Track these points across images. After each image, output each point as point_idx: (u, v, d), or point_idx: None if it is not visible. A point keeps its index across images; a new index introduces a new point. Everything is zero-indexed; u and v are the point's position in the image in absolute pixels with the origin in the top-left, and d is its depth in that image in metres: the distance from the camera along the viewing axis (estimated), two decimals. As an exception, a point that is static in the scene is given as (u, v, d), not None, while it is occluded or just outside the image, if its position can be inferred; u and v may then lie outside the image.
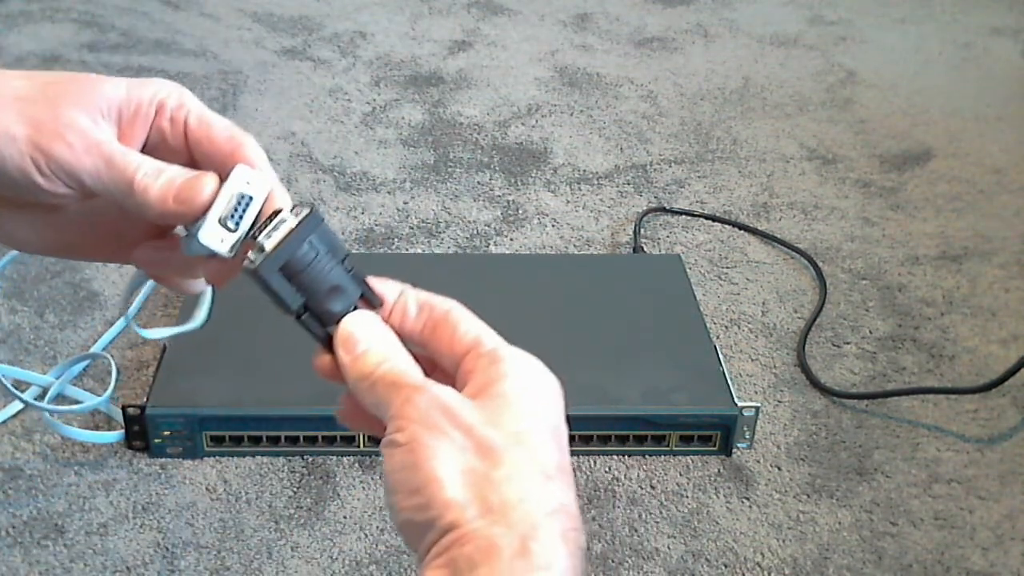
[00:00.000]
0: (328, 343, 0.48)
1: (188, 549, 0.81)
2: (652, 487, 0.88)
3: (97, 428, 0.90)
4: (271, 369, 0.89)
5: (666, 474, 0.89)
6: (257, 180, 0.46)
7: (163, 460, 0.88)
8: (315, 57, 1.62)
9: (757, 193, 1.30)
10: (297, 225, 0.45)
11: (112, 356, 0.95)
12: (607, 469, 0.89)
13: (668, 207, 1.25)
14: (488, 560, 0.39)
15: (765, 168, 1.35)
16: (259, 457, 0.89)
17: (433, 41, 1.70)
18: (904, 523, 0.85)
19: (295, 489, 0.86)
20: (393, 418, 0.43)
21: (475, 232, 1.20)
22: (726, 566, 0.81)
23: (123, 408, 0.86)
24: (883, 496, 0.88)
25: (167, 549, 0.81)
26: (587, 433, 0.89)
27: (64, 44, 1.62)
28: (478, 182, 1.30)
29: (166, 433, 0.87)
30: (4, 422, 0.91)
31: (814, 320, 1.06)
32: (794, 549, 0.83)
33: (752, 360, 1.02)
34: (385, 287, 0.49)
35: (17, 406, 0.92)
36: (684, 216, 1.24)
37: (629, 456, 0.90)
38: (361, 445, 0.89)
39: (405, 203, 1.25)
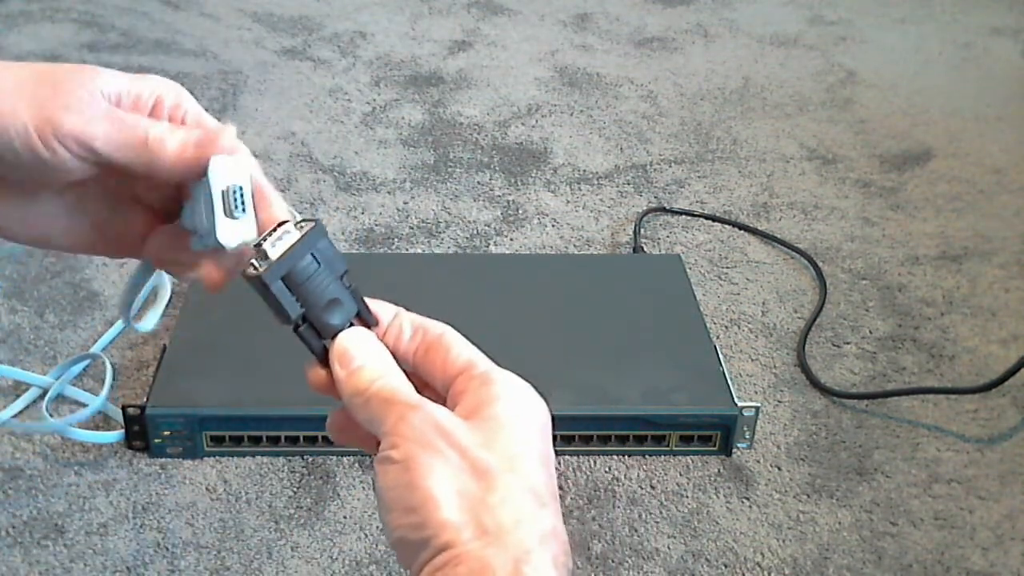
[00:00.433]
0: (323, 356, 0.48)
1: (188, 549, 0.81)
2: (652, 487, 0.88)
3: (97, 428, 0.90)
4: (271, 369, 0.89)
5: (666, 474, 0.89)
6: (235, 166, 0.47)
7: (163, 460, 0.88)
8: (315, 57, 1.62)
9: (757, 193, 1.30)
10: (302, 236, 0.46)
11: (110, 356, 0.95)
12: (607, 469, 0.89)
13: (668, 207, 1.25)
14: None
15: (765, 168, 1.35)
16: (259, 457, 0.89)
17: (433, 41, 1.70)
18: (904, 523, 0.85)
19: (295, 489, 0.86)
20: (387, 434, 0.43)
21: (475, 232, 1.20)
22: (726, 566, 0.81)
23: (123, 408, 0.86)
24: (883, 496, 0.88)
25: (167, 549, 0.81)
26: (587, 433, 0.89)
27: (64, 44, 1.62)
28: (478, 182, 1.30)
29: (166, 433, 0.87)
30: (4, 422, 0.91)
31: (814, 320, 1.06)
32: (794, 549, 0.83)
33: (752, 360, 1.02)
34: (381, 308, 0.49)
35: (17, 406, 0.92)
36: (684, 216, 1.24)
37: (629, 456, 0.90)
38: (361, 445, 0.89)
39: (405, 203, 1.25)
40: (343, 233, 1.19)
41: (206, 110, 0.49)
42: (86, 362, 0.97)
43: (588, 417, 0.89)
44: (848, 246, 1.20)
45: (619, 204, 1.26)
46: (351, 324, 0.48)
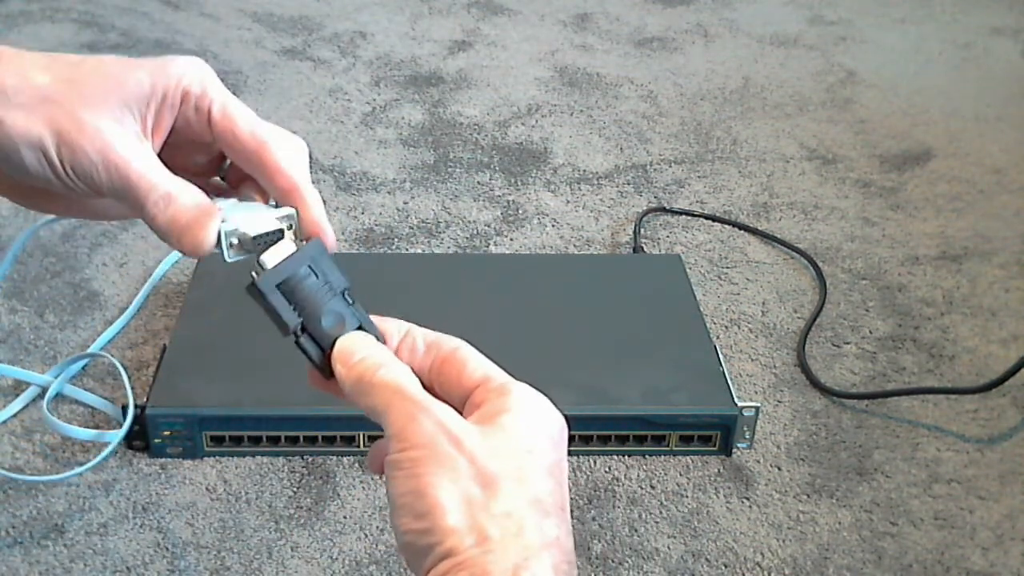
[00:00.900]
0: (323, 365, 0.48)
1: (188, 549, 0.81)
2: (652, 487, 0.88)
3: (97, 428, 0.90)
4: (271, 369, 0.89)
5: (666, 474, 0.89)
6: (254, 218, 0.47)
7: (163, 460, 0.88)
8: (315, 57, 1.62)
9: (757, 193, 1.30)
10: (299, 248, 0.46)
11: (110, 356, 0.95)
12: (607, 469, 0.89)
13: (668, 207, 1.25)
14: None
15: (765, 168, 1.35)
16: (259, 457, 0.89)
17: (433, 41, 1.70)
18: (904, 523, 0.85)
19: (295, 489, 0.86)
20: (397, 437, 0.43)
21: (475, 232, 1.20)
22: (726, 566, 0.81)
23: (123, 408, 0.86)
24: (883, 496, 0.88)
25: (167, 549, 0.81)
26: (587, 433, 0.89)
27: (64, 44, 1.62)
28: (478, 182, 1.30)
29: (166, 433, 0.87)
30: (4, 422, 0.91)
31: (814, 320, 1.06)
32: (794, 549, 0.83)
33: (752, 360, 1.02)
34: (390, 324, 0.49)
35: (17, 406, 0.92)
36: (684, 216, 1.24)
37: (629, 456, 0.90)
38: (361, 445, 0.89)
39: (405, 203, 1.25)
40: (343, 233, 1.19)
41: None
42: (86, 361, 0.97)
43: (588, 417, 0.89)
44: (848, 246, 1.20)
45: (619, 204, 1.26)
46: None
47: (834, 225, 1.24)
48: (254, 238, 0.46)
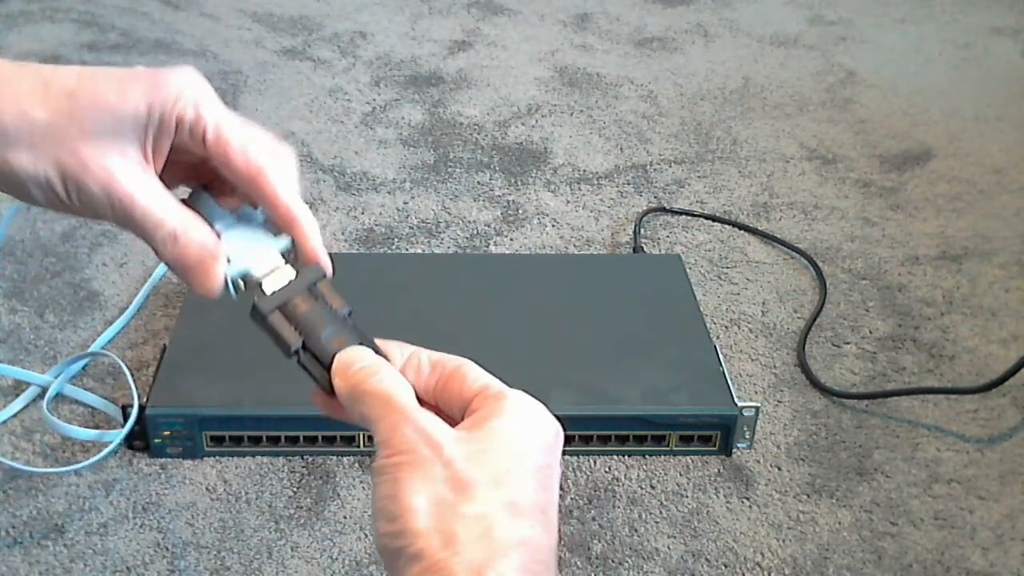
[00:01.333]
0: (325, 384, 0.49)
1: (188, 549, 0.81)
2: (652, 487, 0.88)
3: (97, 428, 0.90)
4: (271, 369, 0.88)
5: (666, 474, 0.89)
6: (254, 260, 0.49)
7: (163, 460, 0.88)
8: (315, 57, 1.62)
9: (757, 193, 1.30)
10: (299, 274, 0.49)
11: (113, 355, 0.95)
12: (607, 469, 0.89)
13: (668, 207, 1.25)
14: None
15: (765, 168, 1.35)
16: (259, 457, 0.89)
17: (433, 41, 1.70)
18: (904, 523, 0.85)
19: (295, 489, 0.86)
20: (382, 444, 0.44)
21: (475, 232, 1.20)
22: (726, 566, 0.81)
23: (123, 408, 0.86)
24: (883, 496, 0.88)
25: (167, 549, 0.81)
26: (587, 433, 0.89)
27: (64, 44, 1.62)
28: (478, 182, 1.30)
29: (166, 433, 0.87)
30: (4, 422, 0.91)
31: (814, 320, 1.06)
32: (794, 549, 0.83)
33: (752, 360, 1.02)
34: (395, 347, 0.49)
35: (17, 406, 0.92)
36: (684, 216, 1.24)
37: (629, 456, 0.90)
38: (361, 445, 0.89)
39: (405, 203, 1.25)
40: (343, 233, 1.19)
41: None
42: (87, 360, 0.97)
43: (588, 417, 0.89)
44: (848, 246, 1.20)
45: (619, 204, 1.26)
46: None
47: (834, 225, 1.24)
48: (259, 280, 0.49)
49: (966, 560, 0.82)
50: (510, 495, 0.43)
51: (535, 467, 0.44)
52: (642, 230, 1.20)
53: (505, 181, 1.30)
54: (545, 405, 0.47)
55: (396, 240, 1.18)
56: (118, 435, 0.86)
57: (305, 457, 0.89)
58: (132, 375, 0.91)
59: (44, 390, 0.93)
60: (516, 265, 1.10)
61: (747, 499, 0.87)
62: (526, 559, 0.42)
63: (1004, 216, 1.26)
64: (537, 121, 1.46)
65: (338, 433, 0.88)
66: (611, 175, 1.32)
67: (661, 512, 0.85)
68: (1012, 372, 0.93)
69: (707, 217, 1.24)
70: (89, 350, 0.98)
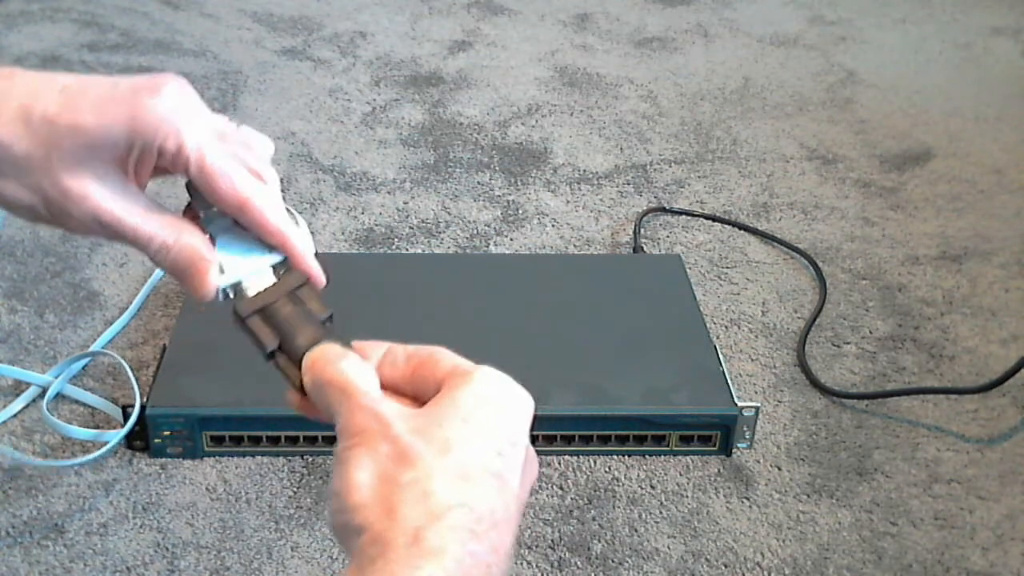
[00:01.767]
0: (298, 384, 0.49)
1: (188, 549, 0.81)
2: (652, 487, 0.88)
3: (97, 428, 0.90)
4: (271, 369, 0.89)
5: (666, 474, 0.89)
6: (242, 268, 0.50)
7: (163, 460, 0.88)
8: (315, 57, 1.62)
9: (757, 193, 1.30)
10: (280, 279, 0.50)
11: (110, 357, 0.95)
12: (607, 469, 0.89)
13: (668, 207, 1.25)
14: (384, 554, 0.40)
15: (765, 168, 1.35)
16: (259, 457, 0.89)
17: (433, 41, 1.70)
18: (904, 523, 0.85)
19: (295, 489, 0.86)
20: (340, 432, 0.45)
21: (475, 232, 1.20)
22: (726, 566, 0.81)
23: (123, 408, 0.86)
24: (883, 496, 0.88)
25: (167, 549, 0.81)
26: (587, 433, 0.89)
27: (64, 44, 1.62)
28: (478, 182, 1.30)
29: (166, 433, 0.87)
30: (4, 422, 0.91)
31: (814, 320, 1.06)
32: (794, 549, 0.83)
33: (752, 360, 1.02)
34: (370, 345, 0.50)
35: (17, 406, 0.92)
36: (684, 216, 1.24)
37: (629, 456, 0.90)
38: (361, 445, 0.89)
39: (405, 203, 1.25)
40: (343, 233, 1.19)
41: None
42: (87, 360, 0.97)
43: (588, 417, 0.89)
44: (848, 246, 1.20)
45: (619, 204, 1.26)
46: None
47: (834, 225, 1.24)
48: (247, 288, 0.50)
49: (966, 560, 0.82)
50: (456, 460, 0.43)
51: (490, 433, 0.44)
52: (642, 230, 1.20)
53: (505, 181, 1.30)
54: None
55: (396, 240, 1.18)
56: (118, 434, 0.86)
57: (305, 457, 0.89)
58: (134, 374, 0.91)
59: (44, 390, 0.93)
60: (516, 265, 1.10)
61: (747, 499, 0.87)
62: (466, 520, 0.41)
63: (1004, 216, 1.26)
64: (537, 121, 1.46)
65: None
66: (611, 175, 1.32)
67: (661, 512, 0.85)
68: (1012, 372, 0.93)
69: (707, 217, 1.24)
70: (90, 350, 0.98)
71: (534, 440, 0.46)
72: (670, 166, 1.35)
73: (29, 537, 0.81)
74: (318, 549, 0.81)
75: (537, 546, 0.82)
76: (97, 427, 0.90)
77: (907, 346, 1.04)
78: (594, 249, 1.18)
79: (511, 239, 1.19)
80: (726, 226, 1.22)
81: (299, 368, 0.49)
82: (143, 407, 0.86)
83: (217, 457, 0.88)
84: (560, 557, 0.81)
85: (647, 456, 0.90)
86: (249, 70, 1.56)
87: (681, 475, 0.89)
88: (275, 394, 0.87)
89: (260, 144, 0.50)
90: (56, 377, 0.94)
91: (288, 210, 0.50)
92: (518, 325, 0.98)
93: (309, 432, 0.88)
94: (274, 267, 0.50)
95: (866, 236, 1.22)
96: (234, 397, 0.88)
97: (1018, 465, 0.91)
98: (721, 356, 0.95)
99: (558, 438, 0.89)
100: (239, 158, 0.48)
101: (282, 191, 0.51)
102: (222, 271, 0.49)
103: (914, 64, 1.68)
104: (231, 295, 0.50)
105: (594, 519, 0.85)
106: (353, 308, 1.02)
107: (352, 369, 0.46)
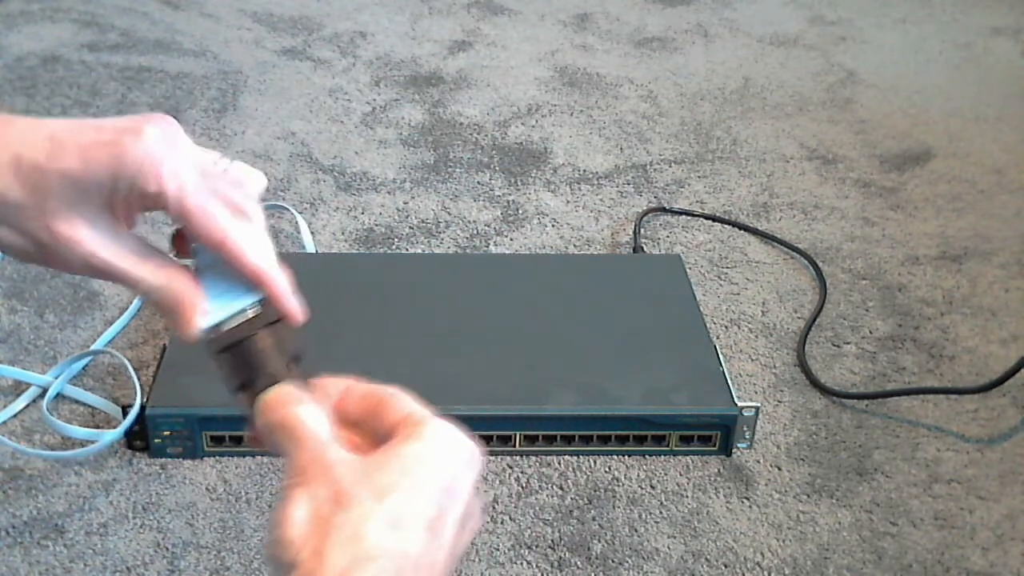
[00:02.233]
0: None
1: (188, 549, 0.81)
2: (652, 487, 0.88)
3: (97, 428, 0.90)
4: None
5: (666, 474, 0.89)
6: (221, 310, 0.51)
7: (163, 460, 0.88)
8: (315, 57, 1.62)
9: (757, 193, 1.30)
10: (254, 316, 0.50)
11: (110, 357, 0.95)
12: (607, 469, 0.89)
13: (668, 207, 1.25)
14: None
15: (765, 168, 1.35)
16: (259, 457, 0.89)
17: (433, 41, 1.70)
18: (904, 523, 0.85)
19: (295, 489, 0.86)
20: (288, 471, 0.46)
21: (475, 232, 1.20)
22: (726, 566, 0.81)
23: (123, 408, 0.86)
24: (883, 496, 0.88)
25: (167, 549, 0.81)
26: (587, 433, 0.89)
27: (64, 44, 1.62)
28: (478, 182, 1.30)
29: (166, 433, 0.87)
30: (4, 422, 0.91)
31: (814, 320, 1.06)
32: (794, 549, 0.83)
33: (752, 360, 1.02)
34: (329, 383, 0.51)
35: (17, 406, 0.92)
36: (684, 216, 1.24)
37: (629, 456, 0.90)
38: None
39: (405, 203, 1.25)
40: (343, 233, 1.19)
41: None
42: (88, 360, 0.97)
43: (588, 417, 0.89)
44: (848, 246, 1.20)
45: (619, 204, 1.26)
46: None
47: (834, 225, 1.24)
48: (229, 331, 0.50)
49: (966, 560, 0.82)
50: (392, 508, 0.43)
51: (429, 484, 0.45)
52: (642, 230, 1.20)
53: (505, 181, 1.30)
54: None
55: (396, 240, 1.18)
56: (117, 434, 0.86)
57: (305, 457, 0.89)
58: (136, 373, 0.91)
59: (44, 390, 0.93)
60: (516, 265, 1.10)
61: (747, 499, 0.87)
62: (391, 568, 0.42)
63: (1004, 216, 1.26)
64: (537, 121, 1.46)
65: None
66: (611, 175, 1.32)
67: (661, 512, 0.85)
68: (1012, 372, 0.93)
69: (707, 217, 1.24)
70: (90, 349, 0.98)
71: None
72: (670, 166, 1.35)
73: (29, 537, 0.81)
74: (318, 549, 0.81)
75: (537, 546, 0.82)
76: (97, 427, 0.90)
77: (907, 346, 1.04)
78: (594, 249, 1.18)
79: (511, 239, 1.19)
80: (726, 226, 1.22)
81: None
82: (143, 407, 0.86)
83: (217, 457, 0.88)
84: (560, 557, 0.81)
85: (647, 456, 0.90)
86: (249, 70, 1.56)
87: (681, 475, 0.89)
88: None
89: (250, 180, 0.50)
90: (56, 377, 0.94)
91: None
92: (518, 325, 0.98)
93: (309, 432, 0.87)
94: (257, 304, 0.50)
95: (866, 236, 1.22)
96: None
97: (1018, 465, 0.91)
98: (721, 356, 0.95)
99: (558, 438, 0.89)
100: (221, 195, 0.48)
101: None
102: (206, 311, 0.50)
103: (914, 64, 1.68)
104: (213, 337, 0.50)
105: (594, 519, 0.85)
106: (353, 308, 1.02)
107: (303, 414, 0.47)
